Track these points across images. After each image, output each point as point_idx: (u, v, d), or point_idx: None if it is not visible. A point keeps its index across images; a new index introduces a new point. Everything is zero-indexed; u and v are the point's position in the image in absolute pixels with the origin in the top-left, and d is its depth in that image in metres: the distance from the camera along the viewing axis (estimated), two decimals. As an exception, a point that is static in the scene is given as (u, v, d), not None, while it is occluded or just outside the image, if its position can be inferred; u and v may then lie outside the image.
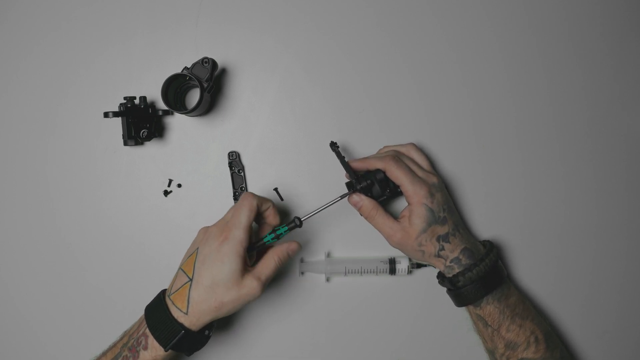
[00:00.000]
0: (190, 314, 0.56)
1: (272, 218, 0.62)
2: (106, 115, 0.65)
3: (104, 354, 0.60)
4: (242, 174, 0.72)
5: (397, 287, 0.72)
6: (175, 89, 0.69)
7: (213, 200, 0.72)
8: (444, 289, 0.67)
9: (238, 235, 0.57)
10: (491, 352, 0.64)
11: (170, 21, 0.73)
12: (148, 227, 0.72)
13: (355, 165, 0.65)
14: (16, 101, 0.73)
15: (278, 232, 0.61)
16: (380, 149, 0.70)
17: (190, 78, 0.65)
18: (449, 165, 0.72)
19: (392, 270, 0.70)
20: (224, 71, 0.73)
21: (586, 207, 0.73)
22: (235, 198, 0.71)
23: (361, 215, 0.66)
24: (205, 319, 0.57)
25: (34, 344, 0.72)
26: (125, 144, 0.67)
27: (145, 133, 0.67)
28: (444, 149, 0.73)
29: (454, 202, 0.71)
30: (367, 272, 0.70)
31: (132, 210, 0.72)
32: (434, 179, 0.64)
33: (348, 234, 0.72)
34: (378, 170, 0.64)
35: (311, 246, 0.72)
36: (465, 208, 0.72)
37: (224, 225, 0.59)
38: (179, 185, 0.72)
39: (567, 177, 0.73)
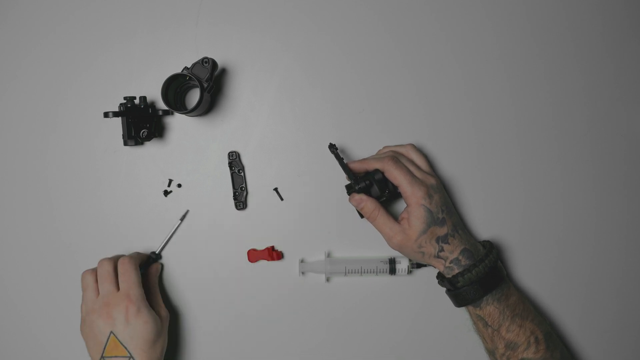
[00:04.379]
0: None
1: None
2: (106, 115, 0.65)
3: None
4: (242, 174, 0.72)
5: (397, 287, 0.72)
6: (175, 89, 0.69)
7: (213, 200, 0.72)
8: (444, 289, 0.67)
9: (138, 293, 0.63)
10: (491, 352, 0.64)
11: (170, 21, 0.73)
12: (148, 227, 0.72)
13: (354, 166, 0.66)
14: (16, 101, 0.73)
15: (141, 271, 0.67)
16: (380, 150, 0.70)
17: (190, 78, 0.65)
18: (448, 165, 0.72)
19: (392, 270, 0.70)
20: (224, 71, 0.73)
21: (586, 207, 0.73)
22: (235, 198, 0.71)
23: (361, 216, 0.67)
24: None
25: (32, 344, 0.72)
26: (125, 144, 0.67)
27: (145, 133, 0.67)
28: (444, 149, 0.72)
29: (454, 203, 0.71)
30: (367, 272, 0.70)
31: (132, 210, 0.72)
32: (432, 180, 0.64)
33: (348, 234, 0.72)
34: (377, 171, 0.64)
35: (311, 246, 0.72)
36: (464, 208, 0.72)
37: (114, 297, 0.62)
38: (179, 185, 0.72)
39: (567, 177, 0.73)
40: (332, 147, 0.65)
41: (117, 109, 0.66)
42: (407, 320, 0.72)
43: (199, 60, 0.66)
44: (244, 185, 0.72)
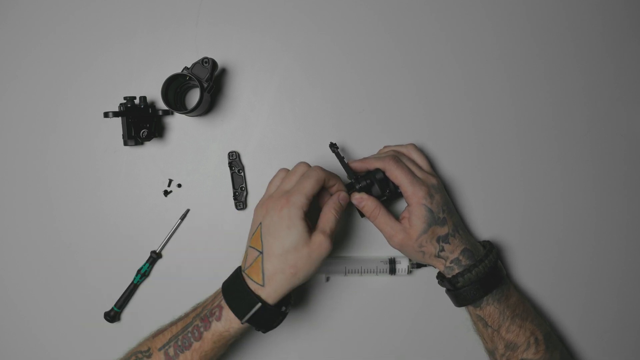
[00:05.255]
0: (267, 285, 0.56)
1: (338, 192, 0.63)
2: (106, 115, 0.65)
3: (174, 323, 0.60)
4: (242, 174, 0.72)
5: (397, 287, 0.72)
6: (175, 89, 0.69)
7: (213, 200, 0.72)
8: (444, 289, 0.67)
9: (299, 200, 0.57)
10: (491, 352, 0.64)
11: (170, 21, 0.73)
12: (148, 227, 0.72)
13: (355, 165, 0.66)
14: (16, 101, 0.73)
15: (143, 271, 0.70)
16: (381, 149, 0.70)
17: (190, 78, 0.65)
18: (448, 165, 0.72)
19: (392, 270, 0.70)
20: (224, 71, 0.73)
21: (586, 207, 0.73)
22: (235, 198, 0.71)
23: (361, 215, 0.66)
24: (282, 289, 0.56)
25: (32, 344, 0.72)
26: (125, 144, 0.67)
27: (145, 133, 0.67)
28: (444, 149, 0.73)
29: (454, 203, 0.71)
30: (367, 272, 0.70)
31: (132, 210, 0.72)
32: (433, 180, 0.64)
33: (348, 234, 0.72)
34: (378, 170, 0.64)
35: (311, 246, 0.72)
36: (464, 209, 0.72)
37: (281, 194, 0.58)
38: (179, 185, 0.72)
39: (567, 177, 0.73)
40: (333, 146, 0.65)
41: (117, 109, 0.66)
42: (407, 320, 0.72)
43: (199, 60, 0.66)
44: (244, 185, 0.72)
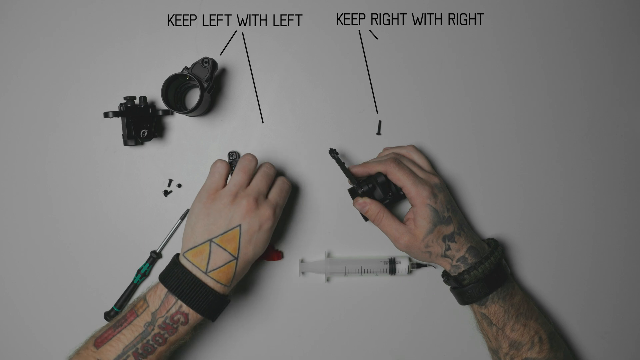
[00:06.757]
0: (233, 283, 0.60)
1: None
2: (106, 115, 0.65)
3: (116, 328, 0.58)
4: (242, 174, 0.72)
5: (397, 287, 0.72)
6: (175, 89, 0.69)
7: (213, 200, 0.72)
8: (444, 289, 0.67)
9: (279, 215, 0.62)
10: (495, 351, 0.64)
11: (170, 21, 0.73)
12: (148, 227, 0.72)
13: (356, 170, 0.66)
14: (16, 101, 0.73)
15: (143, 271, 0.70)
16: (380, 152, 0.70)
17: (190, 78, 0.65)
18: (448, 165, 0.73)
19: (392, 270, 0.70)
20: (224, 71, 0.73)
21: (586, 207, 0.73)
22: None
23: (365, 219, 0.66)
24: (235, 284, 0.61)
25: (32, 344, 0.72)
26: (125, 144, 0.67)
27: (145, 133, 0.67)
28: (444, 149, 0.73)
29: (456, 202, 0.71)
30: (367, 272, 0.70)
31: (132, 210, 0.72)
32: (435, 180, 0.64)
33: (348, 234, 0.72)
34: (379, 174, 0.64)
35: (311, 246, 0.72)
36: (466, 208, 0.72)
37: (260, 199, 0.60)
38: (179, 185, 0.72)
39: (567, 176, 0.73)
40: (333, 152, 0.65)
41: (117, 109, 0.66)
42: (407, 321, 0.72)
43: (199, 60, 0.66)
44: (244, 185, 0.72)
